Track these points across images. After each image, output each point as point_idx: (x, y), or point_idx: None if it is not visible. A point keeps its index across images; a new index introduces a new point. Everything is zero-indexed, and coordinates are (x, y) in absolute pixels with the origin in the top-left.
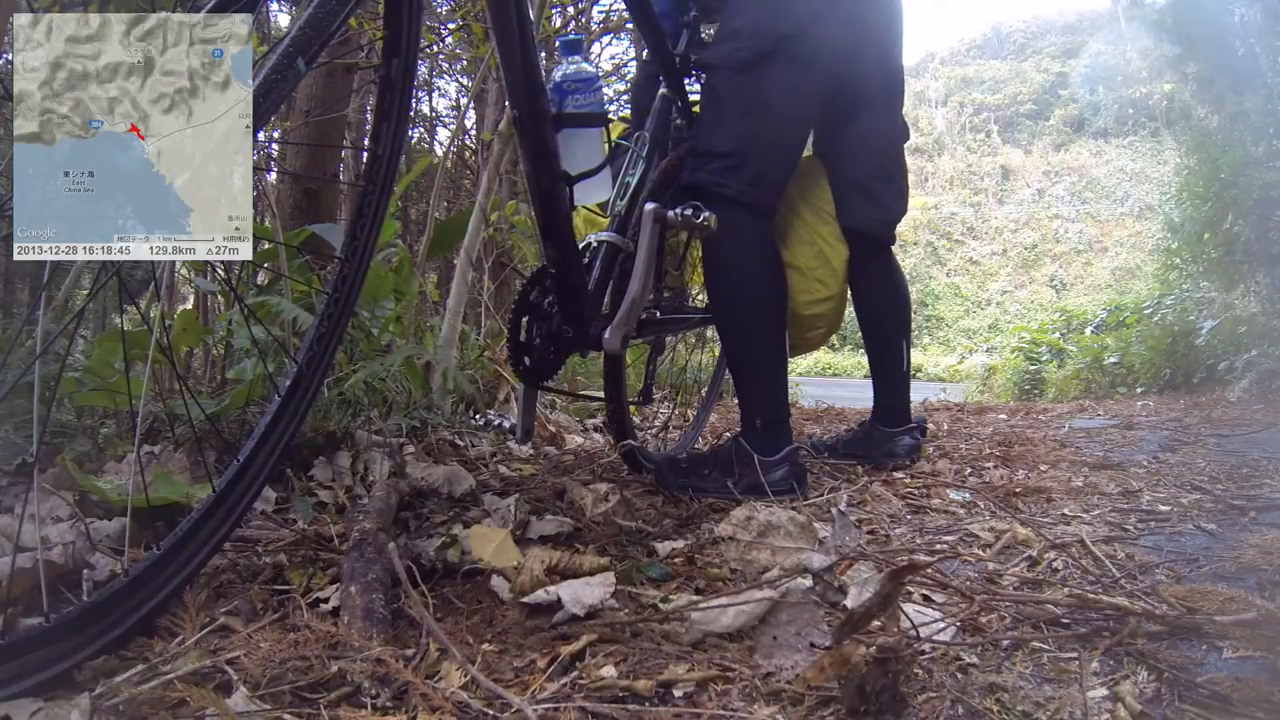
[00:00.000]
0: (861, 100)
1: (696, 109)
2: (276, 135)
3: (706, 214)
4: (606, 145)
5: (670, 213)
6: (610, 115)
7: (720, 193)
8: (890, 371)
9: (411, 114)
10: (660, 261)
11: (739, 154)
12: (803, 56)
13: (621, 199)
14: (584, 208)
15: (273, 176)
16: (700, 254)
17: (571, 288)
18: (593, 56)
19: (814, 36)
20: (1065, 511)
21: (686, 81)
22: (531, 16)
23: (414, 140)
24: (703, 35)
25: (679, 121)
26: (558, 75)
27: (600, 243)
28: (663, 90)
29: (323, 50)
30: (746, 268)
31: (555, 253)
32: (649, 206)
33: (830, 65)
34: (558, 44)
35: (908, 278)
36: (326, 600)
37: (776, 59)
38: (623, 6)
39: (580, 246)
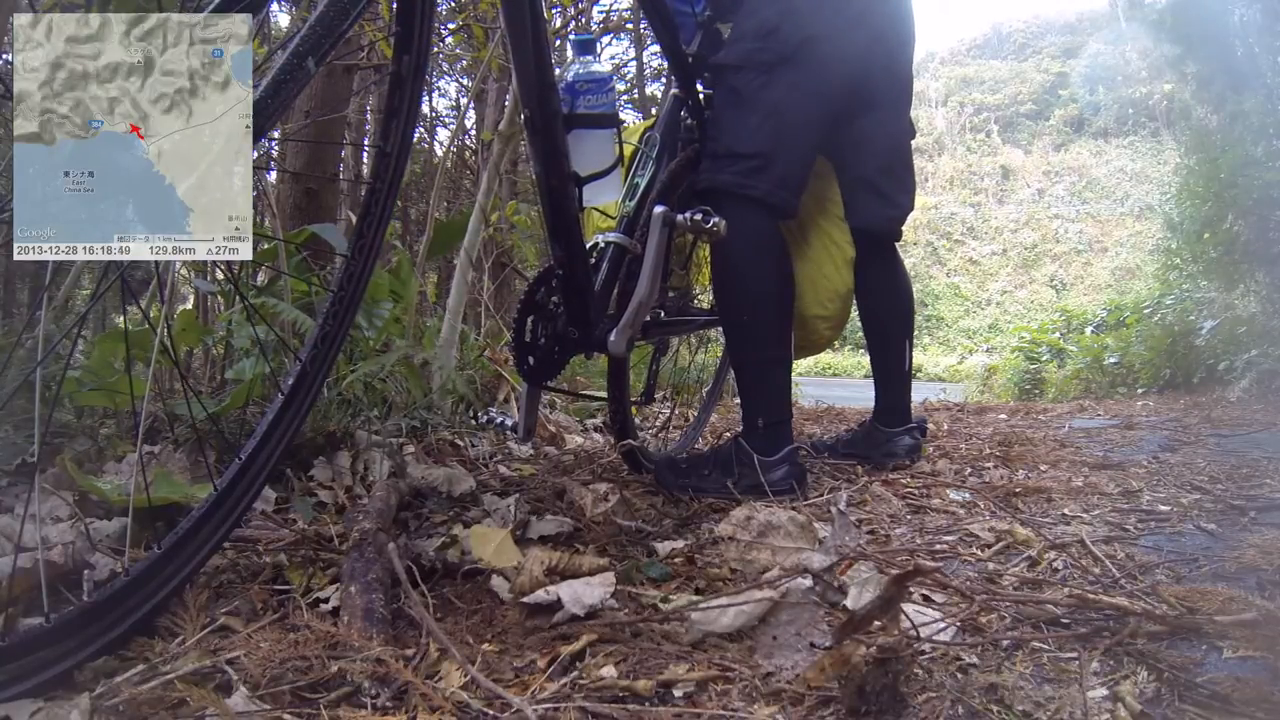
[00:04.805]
0: (870, 100)
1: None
2: (277, 135)
3: (716, 219)
4: (618, 147)
5: (680, 217)
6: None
7: (746, 194)
8: (891, 371)
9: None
10: (667, 263)
11: (764, 155)
12: (821, 59)
13: (630, 200)
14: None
15: (273, 176)
16: (706, 254)
17: (578, 289)
18: None
19: (831, 39)
20: (1065, 511)
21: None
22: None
23: (414, 139)
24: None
25: (689, 121)
26: (570, 75)
27: (608, 244)
28: (673, 90)
29: (333, 50)
30: (757, 269)
31: (563, 253)
32: (658, 209)
33: (844, 67)
34: (570, 41)
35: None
36: (326, 600)
37: (796, 62)
38: (623, 6)
39: (588, 247)
